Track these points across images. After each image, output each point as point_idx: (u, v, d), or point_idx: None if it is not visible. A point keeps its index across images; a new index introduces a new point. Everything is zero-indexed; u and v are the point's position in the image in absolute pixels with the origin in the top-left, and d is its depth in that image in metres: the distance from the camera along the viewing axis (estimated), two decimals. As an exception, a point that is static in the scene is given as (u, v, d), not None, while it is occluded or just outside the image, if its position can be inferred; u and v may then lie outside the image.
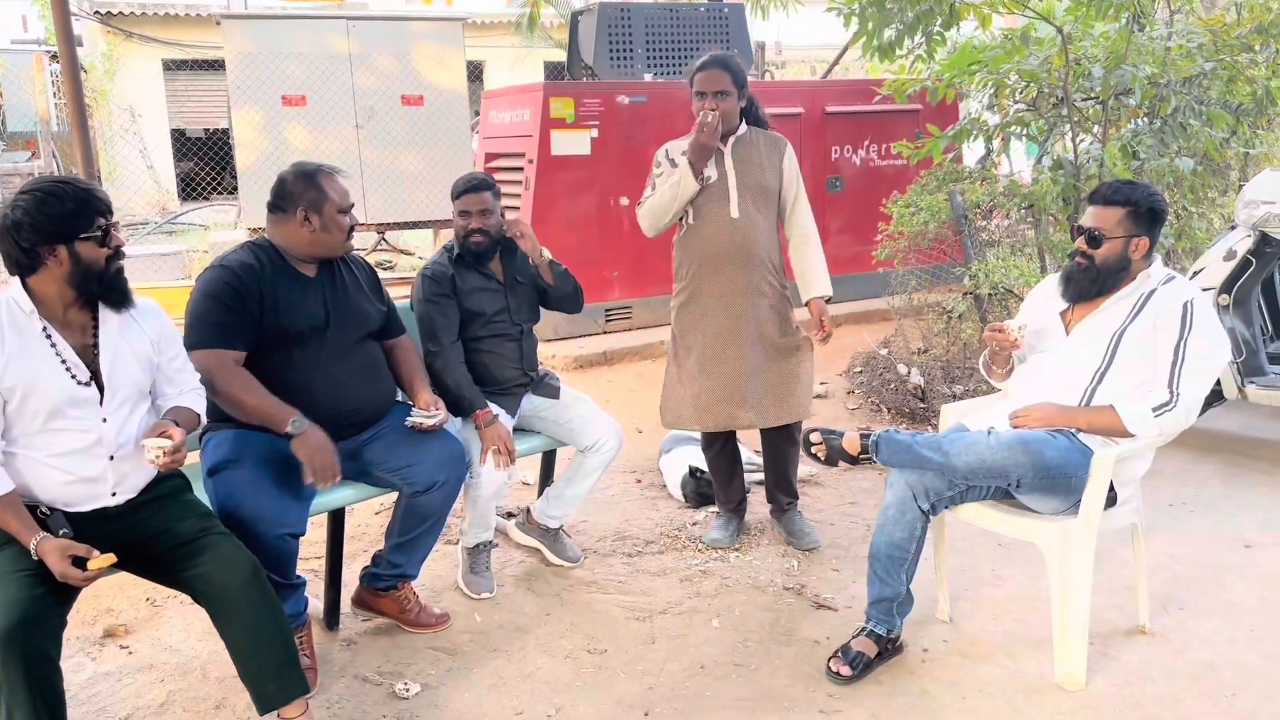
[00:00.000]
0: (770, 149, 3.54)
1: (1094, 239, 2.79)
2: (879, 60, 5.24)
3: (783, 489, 3.78)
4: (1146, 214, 2.77)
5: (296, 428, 2.66)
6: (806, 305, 3.61)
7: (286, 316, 2.79)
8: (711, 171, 3.46)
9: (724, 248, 3.47)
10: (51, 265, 2.26)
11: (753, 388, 3.54)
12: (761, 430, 3.69)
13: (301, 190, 2.83)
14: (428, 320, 3.30)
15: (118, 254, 2.33)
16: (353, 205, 2.95)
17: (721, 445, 3.73)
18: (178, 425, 2.39)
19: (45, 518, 2.27)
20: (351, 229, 2.92)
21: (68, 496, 2.32)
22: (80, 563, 2.18)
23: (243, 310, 2.73)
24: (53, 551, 2.16)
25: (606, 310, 6.70)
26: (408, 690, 2.79)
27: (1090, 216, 2.84)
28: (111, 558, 2.21)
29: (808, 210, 3.61)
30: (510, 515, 3.86)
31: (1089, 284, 2.82)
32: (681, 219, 3.55)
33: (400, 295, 3.36)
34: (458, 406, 3.21)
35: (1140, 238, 2.77)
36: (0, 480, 2.21)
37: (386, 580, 3.12)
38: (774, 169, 3.54)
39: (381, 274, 3.27)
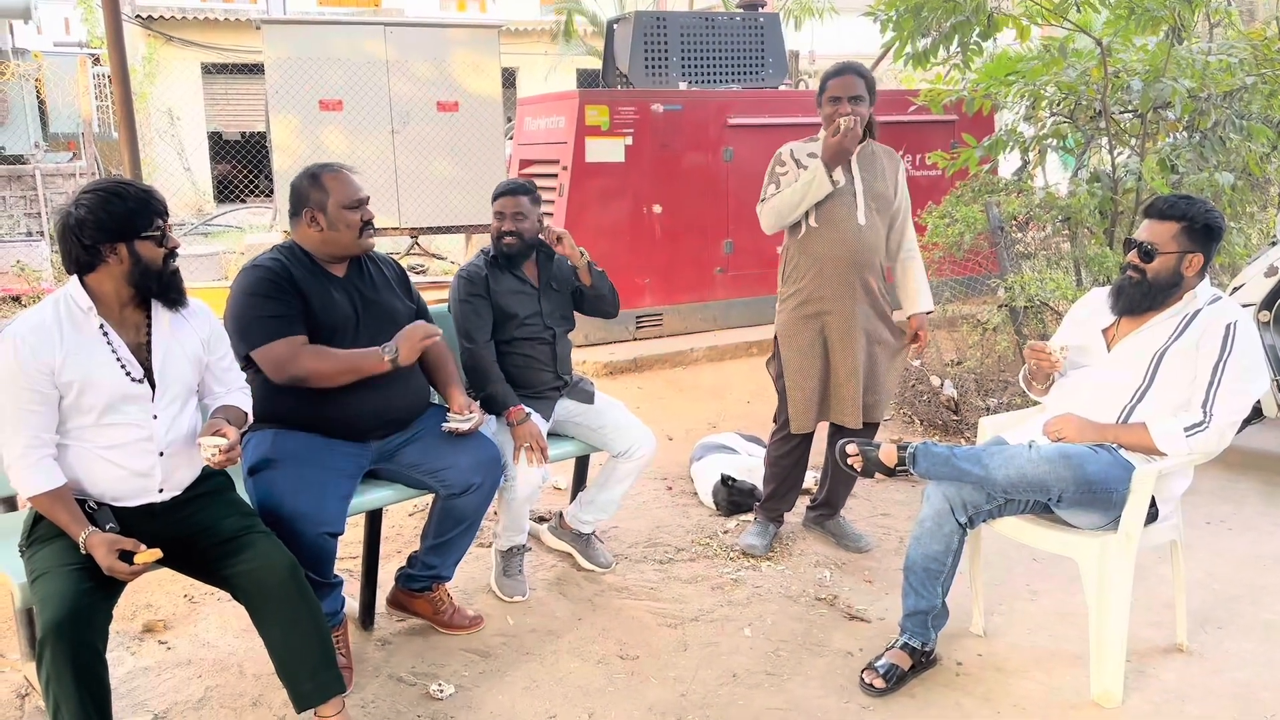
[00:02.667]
0: (889, 161, 3.60)
1: (1147, 253, 2.77)
2: (913, 68, 5.23)
3: (846, 488, 3.84)
4: (1202, 230, 2.74)
5: (390, 352, 2.78)
6: (908, 319, 3.70)
7: (318, 314, 2.83)
8: (840, 177, 3.48)
9: (849, 252, 3.50)
10: (112, 263, 2.31)
11: (857, 387, 3.58)
12: (834, 432, 3.69)
13: (307, 191, 2.87)
14: (462, 319, 3.34)
15: (173, 254, 2.38)
16: (363, 200, 2.89)
17: (800, 453, 3.72)
18: (229, 424, 2.43)
19: (93, 512, 2.31)
20: (365, 225, 2.89)
21: (117, 491, 2.36)
22: (127, 557, 2.22)
23: (287, 299, 2.78)
24: (101, 545, 2.21)
25: (637, 317, 6.71)
26: (442, 691, 2.81)
27: (1144, 230, 2.81)
28: (158, 553, 2.25)
29: (912, 224, 3.68)
30: (543, 519, 3.88)
31: (1139, 298, 2.80)
32: (801, 221, 3.54)
33: (434, 300, 3.39)
34: (490, 404, 3.24)
35: (1194, 254, 2.75)
36: (53, 474, 2.26)
37: (421, 581, 3.14)
38: (892, 180, 3.60)
39: (414, 278, 3.30)
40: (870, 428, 3.68)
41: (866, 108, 3.46)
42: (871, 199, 3.53)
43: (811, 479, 4.06)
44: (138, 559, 2.22)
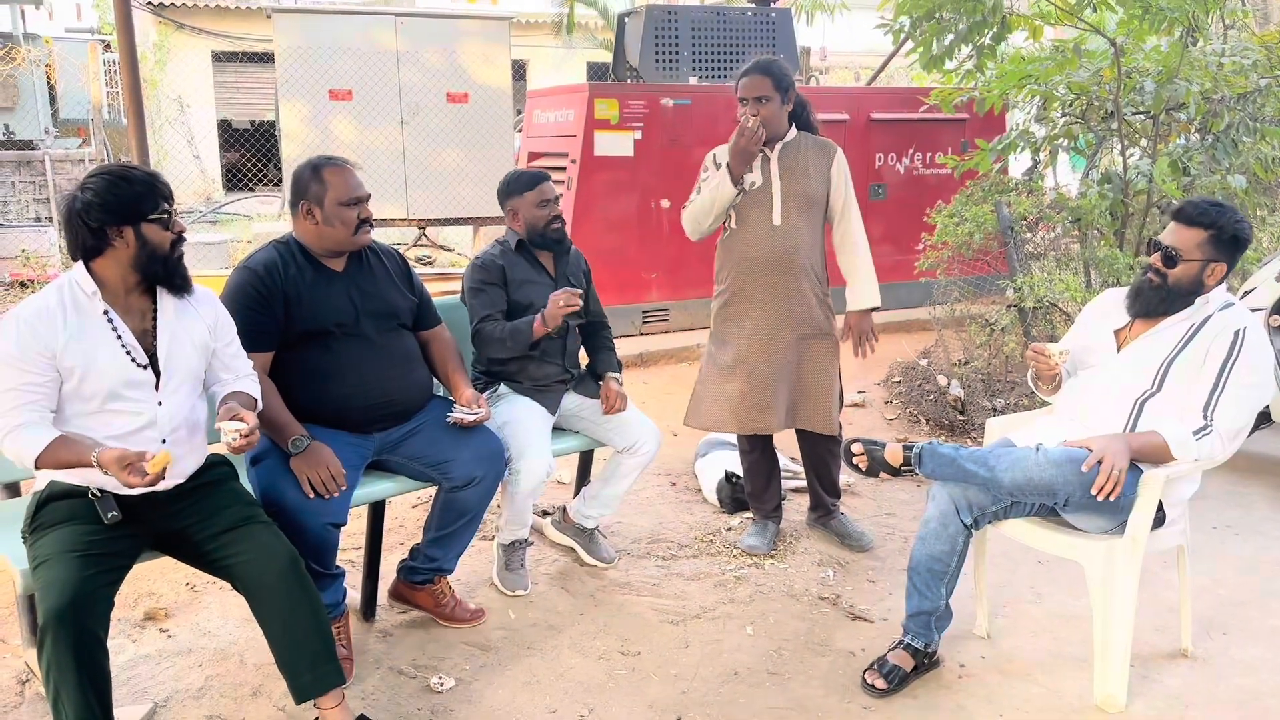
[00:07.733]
0: (819, 155, 3.52)
1: (1170, 258, 2.72)
2: (927, 70, 5.21)
3: (828, 490, 3.80)
4: (1229, 240, 2.69)
5: (296, 447, 2.67)
6: (845, 316, 3.60)
7: (311, 313, 2.82)
8: (756, 177, 3.45)
9: (765, 254, 3.47)
10: (119, 247, 2.30)
11: (785, 393, 3.55)
12: (801, 436, 3.69)
13: (306, 183, 2.84)
14: (474, 306, 3.32)
15: (180, 239, 2.38)
16: (362, 198, 2.84)
17: (761, 449, 3.72)
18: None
19: (96, 499, 2.30)
20: (363, 223, 2.85)
21: (120, 478, 2.34)
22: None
23: (266, 313, 2.77)
24: (113, 462, 2.14)
25: (644, 312, 6.70)
26: (442, 684, 2.81)
27: (1171, 234, 2.75)
28: (169, 456, 2.19)
29: (857, 217, 3.57)
30: (546, 514, 3.87)
31: (1157, 302, 2.76)
32: (725, 223, 3.55)
33: (441, 291, 3.37)
34: (517, 337, 3.22)
35: (1218, 263, 2.70)
36: (47, 430, 2.22)
37: (423, 574, 3.14)
38: (821, 176, 3.51)
39: (421, 269, 3.28)
40: (828, 439, 3.65)
41: (777, 106, 3.40)
42: (791, 199, 3.46)
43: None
44: (149, 466, 2.16)
